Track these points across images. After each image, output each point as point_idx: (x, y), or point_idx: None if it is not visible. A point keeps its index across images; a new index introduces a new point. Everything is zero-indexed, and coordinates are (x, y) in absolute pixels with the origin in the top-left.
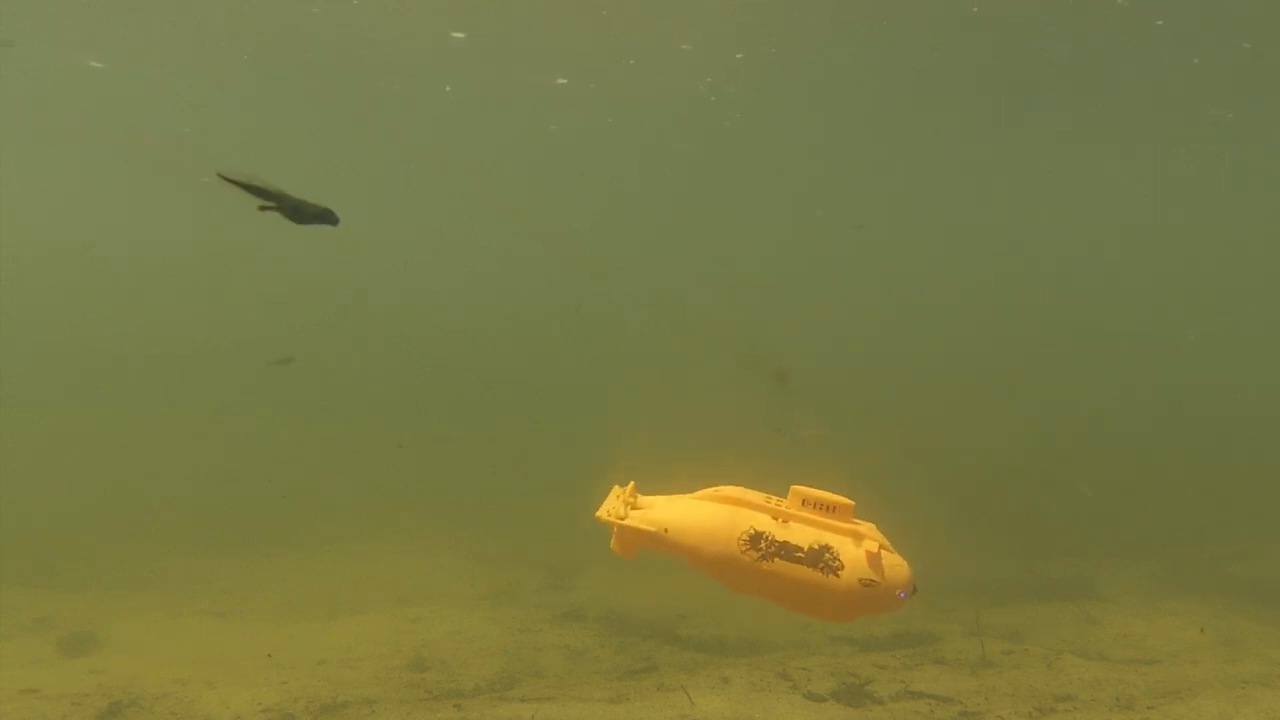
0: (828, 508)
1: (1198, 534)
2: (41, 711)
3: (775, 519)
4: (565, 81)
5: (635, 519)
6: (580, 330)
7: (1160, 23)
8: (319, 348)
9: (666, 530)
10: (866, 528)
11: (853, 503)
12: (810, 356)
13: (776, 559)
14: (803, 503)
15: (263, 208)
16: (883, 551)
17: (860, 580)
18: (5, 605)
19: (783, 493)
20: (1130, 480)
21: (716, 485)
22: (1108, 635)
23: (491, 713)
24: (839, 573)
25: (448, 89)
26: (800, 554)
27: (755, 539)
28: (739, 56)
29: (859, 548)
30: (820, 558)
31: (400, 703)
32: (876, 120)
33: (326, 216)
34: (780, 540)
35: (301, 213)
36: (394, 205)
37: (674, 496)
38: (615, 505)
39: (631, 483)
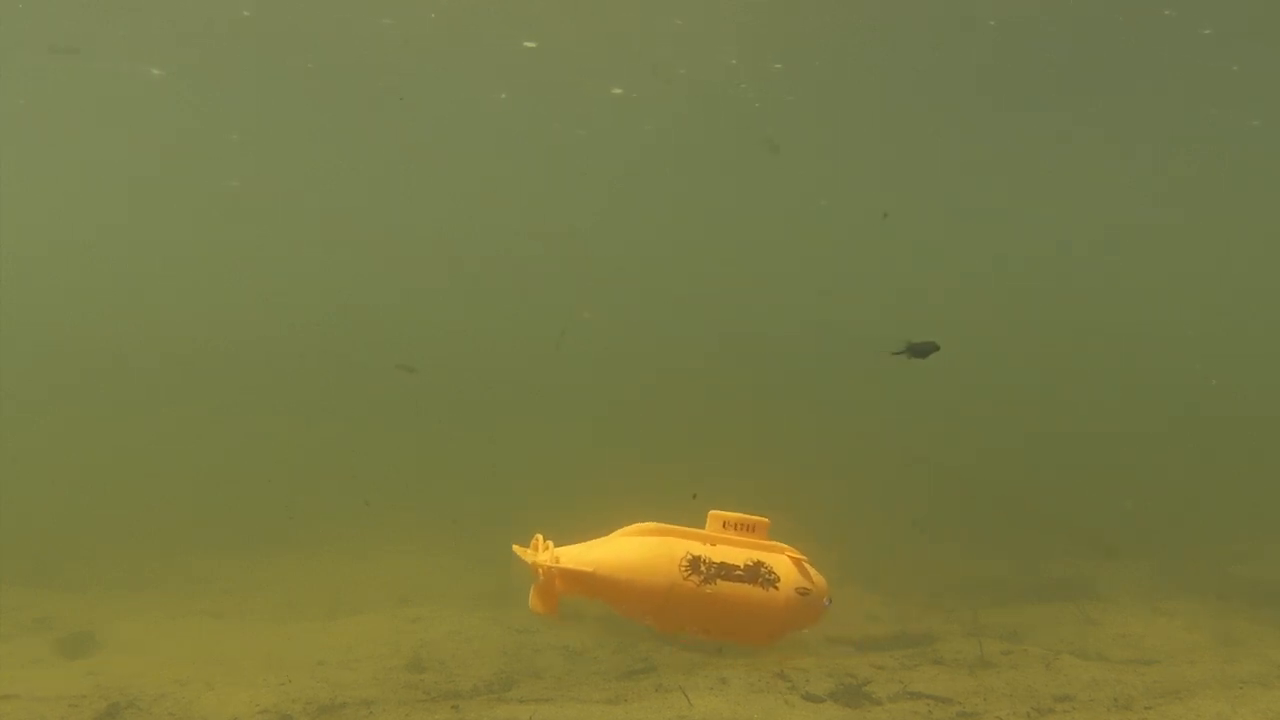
0: (747, 527)
1: (1197, 534)
2: (39, 713)
3: (704, 543)
4: (620, 91)
5: (569, 560)
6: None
7: (1207, 31)
8: (317, 347)
9: (599, 570)
10: (782, 546)
11: (768, 520)
12: (812, 353)
13: (719, 580)
14: (723, 525)
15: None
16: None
17: (797, 589)
18: (4, 605)
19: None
20: (1130, 480)
21: (630, 524)
22: (1106, 635)
23: (489, 714)
24: (777, 585)
25: (503, 96)
26: (739, 572)
27: (695, 563)
28: (778, 67)
29: (785, 560)
30: (758, 573)
31: (398, 704)
32: (906, 120)
33: (934, 348)
34: (718, 561)
35: (926, 351)
36: (409, 207)
37: (592, 541)
38: (537, 557)
39: (538, 535)
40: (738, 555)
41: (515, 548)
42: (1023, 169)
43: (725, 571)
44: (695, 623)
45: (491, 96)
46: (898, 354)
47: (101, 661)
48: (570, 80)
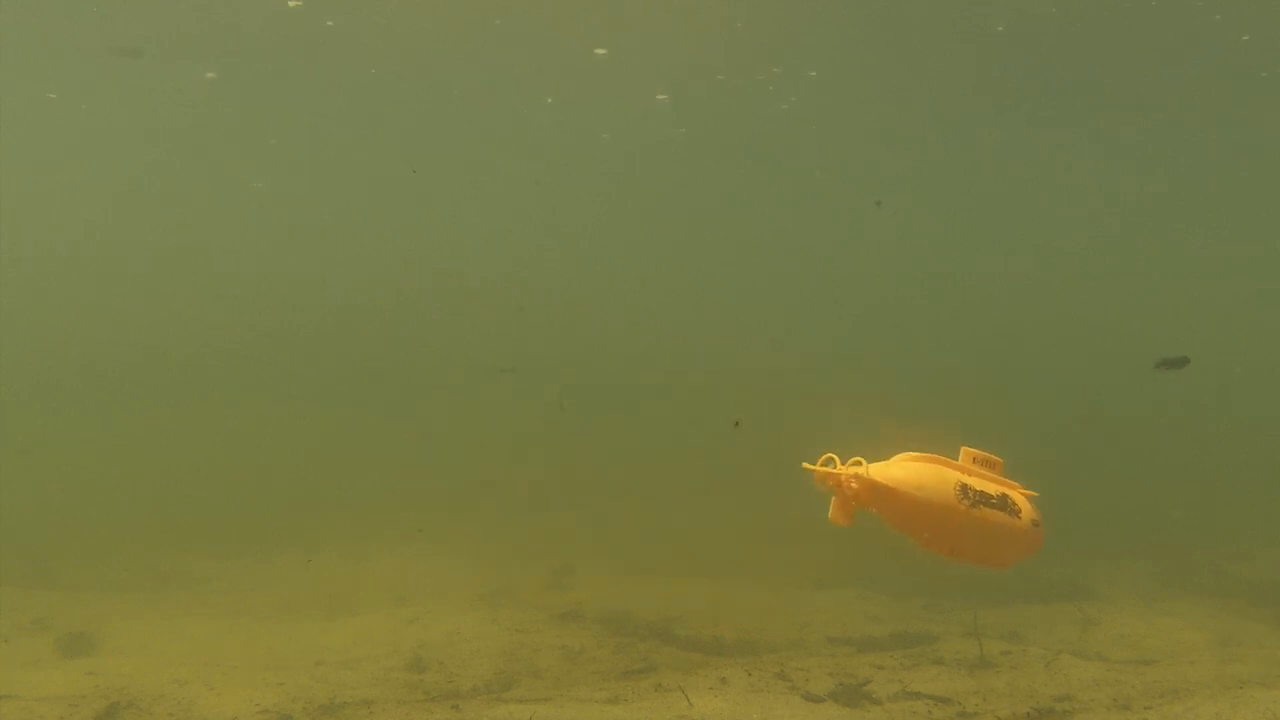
0: (990, 464)
1: (1196, 534)
2: (39, 713)
3: (963, 473)
4: (665, 98)
5: (876, 474)
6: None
7: (1246, 38)
8: (318, 347)
9: (898, 486)
10: (1014, 483)
11: (1002, 460)
12: (808, 352)
13: (981, 506)
14: (972, 460)
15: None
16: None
17: (1032, 521)
18: (3, 606)
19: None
20: (1129, 480)
21: (901, 453)
22: (1106, 636)
23: (489, 713)
24: (1019, 515)
25: (549, 100)
26: (993, 501)
27: (964, 489)
28: (812, 74)
29: (1019, 495)
30: (1006, 503)
31: (398, 704)
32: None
33: (1185, 362)
34: (979, 490)
35: (1180, 364)
36: (429, 210)
37: (886, 461)
38: (843, 469)
39: (830, 454)
40: (989, 486)
41: (805, 465)
42: (1039, 174)
43: (985, 499)
44: (954, 542)
45: (538, 101)
46: (1160, 366)
47: (101, 661)
48: (619, 87)
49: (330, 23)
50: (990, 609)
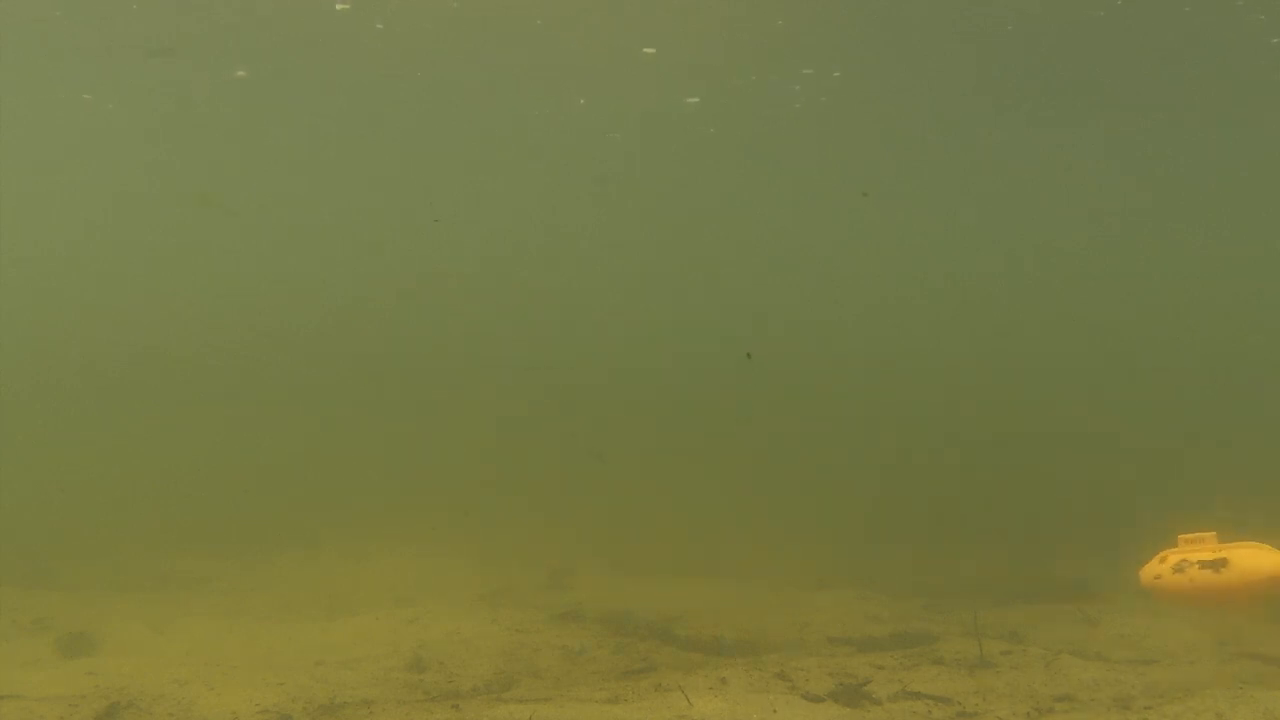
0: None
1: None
2: (39, 713)
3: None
4: (696, 100)
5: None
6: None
7: (1275, 40)
8: (318, 347)
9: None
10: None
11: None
12: (804, 354)
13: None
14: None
15: None
16: None
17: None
18: (3, 606)
19: None
20: (1130, 479)
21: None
22: (1106, 635)
23: (489, 713)
24: None
25: (582, 102)
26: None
27: None
28: (836, 74)
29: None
30: None
31: (398, 704)
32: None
33: None
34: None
35: None
36: (437, 209)
37: (1232, 546)
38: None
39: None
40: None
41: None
42: (1039, 174)
43: None
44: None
45: (570, 102)
46: None
47: (101, 661)
48: (651, 88)
49: (380, 25)
50: (990, 609)
